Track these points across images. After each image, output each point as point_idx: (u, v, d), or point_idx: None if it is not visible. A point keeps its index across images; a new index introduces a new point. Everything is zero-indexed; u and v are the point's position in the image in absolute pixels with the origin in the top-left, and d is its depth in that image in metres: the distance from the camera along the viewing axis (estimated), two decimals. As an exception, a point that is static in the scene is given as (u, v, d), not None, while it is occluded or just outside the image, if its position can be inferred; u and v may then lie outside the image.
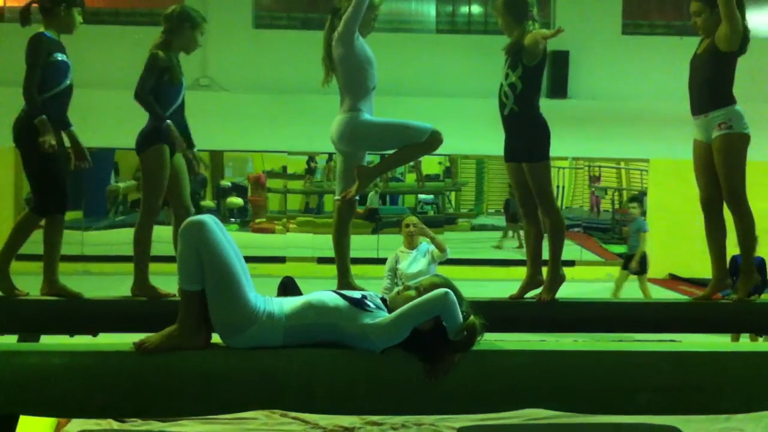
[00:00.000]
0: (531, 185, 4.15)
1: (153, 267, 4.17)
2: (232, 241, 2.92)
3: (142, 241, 4.19)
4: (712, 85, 4.14)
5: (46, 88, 4.02)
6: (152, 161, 4.14)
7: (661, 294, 10.63)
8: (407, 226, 6.38)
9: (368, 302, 2.96)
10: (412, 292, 2.95)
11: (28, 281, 4.28)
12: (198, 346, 2.91)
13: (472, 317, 2.89)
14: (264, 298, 2.95)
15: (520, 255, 9.50)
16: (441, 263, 6.24)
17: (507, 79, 4.13)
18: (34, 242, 4.25)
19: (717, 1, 4.01)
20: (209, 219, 2.85)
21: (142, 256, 4.19)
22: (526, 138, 4.12)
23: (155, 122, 4.11)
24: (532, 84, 4.11)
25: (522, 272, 4.35)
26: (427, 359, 2.85)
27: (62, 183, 4.14)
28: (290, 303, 2.95)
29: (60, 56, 4.08)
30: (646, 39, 12.79)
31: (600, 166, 13.52)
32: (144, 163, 4.18)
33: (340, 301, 2.93)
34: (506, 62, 4.17)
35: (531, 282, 4.27)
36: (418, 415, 4.54)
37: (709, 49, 4.15)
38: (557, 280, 4.19)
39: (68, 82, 4.13)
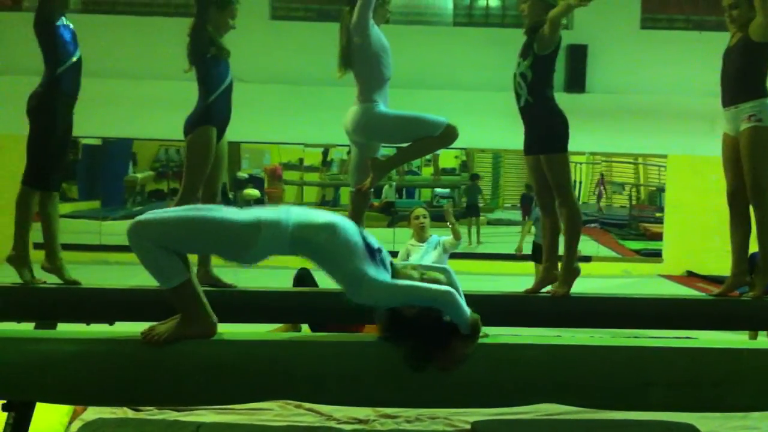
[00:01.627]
0: (549, 177, 4.12)
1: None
2: None
3: None
4: (743, 77, 4.09)
5: (60, 60, 4.04)
6: (199, 141, 4.10)
7: (677, 291, 10.57)
8: (417, 218, 6.33)
9: (381, 256, 2.91)
10: (416, 273, 2.95)
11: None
12: (206, 334, 2.89)
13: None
14: (265, 208, 2.90)
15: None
16: (457, 257, 6.20)
17: (518, 67, 4.12)
18: (59, 232, 4.31)
19: None
20: (143, 215, 2.78)
21: None
22: (544, 129, 4.09)
23: (204, 103, 4.12)
24: (543, 74, 4.07)
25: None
26: (431, 351, 2.81)
27: (61, 161, 4.20)
28: (304, 215, 2.88)
29: (66, 21, 4.12)
30: (665, 33, 12.70)
31: (612, 161, 13.45)
32: (190, 144, 4.13)
33: (359, 240, 2.86)
34: (520, 49, 4.15)
35: (546, 277, 4.24)
36: (432, 408, 4.54)
37: (743, 41, 4.09)
38: (572, 273, 4.16)
39: (79, 53, 4.15)
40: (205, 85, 4.13)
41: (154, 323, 2.91)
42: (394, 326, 2.86)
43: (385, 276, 2.83)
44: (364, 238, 2.88)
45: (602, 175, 13.37)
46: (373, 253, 2.86)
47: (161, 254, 2.75)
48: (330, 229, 2.82)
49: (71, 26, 4.16)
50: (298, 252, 2.85)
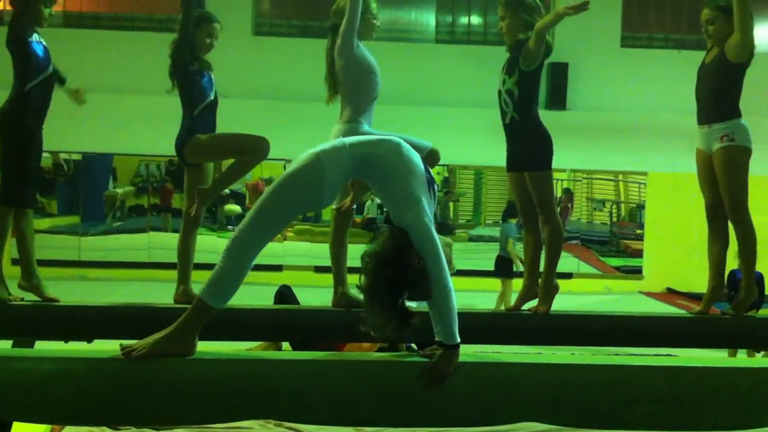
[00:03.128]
0: (532, 194, 4.13)
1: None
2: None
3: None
4: (718, 96, 4.11)
5: (31, 76, 4.01)
6: (197, 149, 4.12)
7: (658, 308, 10.62)
8: None
9: (434, 188, 2.93)
10: (447, 250, 2.95)
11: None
12: (185, 354, 2.88)
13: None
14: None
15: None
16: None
17: (504, 85, 4.13)
18: (38, 247, 4.29)
19: (731, 10, 3.96)
20: (235, 232, 2.85)
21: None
22: (529, 147, 4.11)
23: (190, 117, 4.11)
24: (529, 90, 4.09)
25: (520, 284, 4.34)
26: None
27: (35, 177, 4.18)
28: (360, 137, 3.00)
29: (38, 37, 4.09)
30: (645, 52, 12.83)
31: (593, 178, 13.53)
32: (191, 157, 4.14)
33: (421, 164, 2.90)
34: (504, 66, 4.16)
35: (527, 293, 4.24)
36: (414, 426, 4.52)
37: (718, 58, 4.11)
38: (552, 290, 4.17)
39: (51, 69, 4.13)
40: (189, 99, 4.12)
41: (133, 341, 2.89)
42: (396, 248, 2.77)
43: (429, 212, 2.83)
44: (424, 165, 2.90)
45: (567, 190, 13.44)
46: (430, 181, 2.89)
47: (239, 275, 2.81)
48: (392, 143, 2.90)
49: (44, 42, 4.13)
50: (362, 171, 2.91)
